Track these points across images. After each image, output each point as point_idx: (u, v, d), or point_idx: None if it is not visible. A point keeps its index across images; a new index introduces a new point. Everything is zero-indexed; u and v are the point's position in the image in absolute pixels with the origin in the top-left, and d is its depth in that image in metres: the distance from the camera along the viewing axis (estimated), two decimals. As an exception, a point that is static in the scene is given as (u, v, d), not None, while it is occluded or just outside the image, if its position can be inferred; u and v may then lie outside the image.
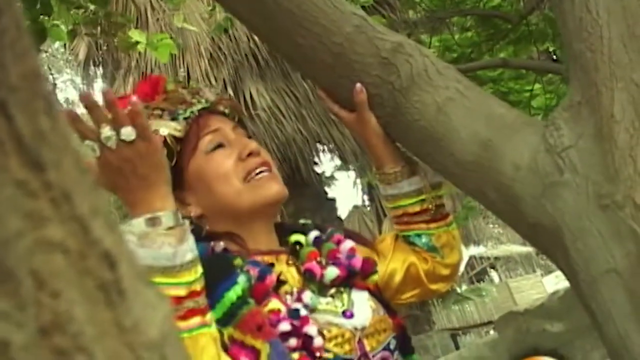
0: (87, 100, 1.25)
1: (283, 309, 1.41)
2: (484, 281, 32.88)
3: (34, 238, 0.33)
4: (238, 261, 1.44)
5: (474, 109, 1.48)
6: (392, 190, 1.71)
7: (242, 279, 1.38)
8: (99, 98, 1.26)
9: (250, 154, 1.56)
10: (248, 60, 10.65)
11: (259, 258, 1.52)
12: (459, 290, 27.90)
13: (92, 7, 3.98)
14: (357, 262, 1.59)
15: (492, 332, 17.51)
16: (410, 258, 1.73)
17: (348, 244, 1.63)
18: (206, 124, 1.57)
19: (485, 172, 1.42)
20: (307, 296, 1.47)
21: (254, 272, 1.43)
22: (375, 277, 1.62)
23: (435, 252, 1.73)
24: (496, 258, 31.82)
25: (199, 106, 1.58)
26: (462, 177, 1.49)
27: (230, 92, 10.53)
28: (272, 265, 1.50)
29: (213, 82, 10.37)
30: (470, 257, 33.79)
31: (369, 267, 1.61)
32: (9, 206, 0.33)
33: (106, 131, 1.23)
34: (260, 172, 1.56)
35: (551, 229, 1.31)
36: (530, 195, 1.34)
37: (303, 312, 1.42)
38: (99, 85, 14.31)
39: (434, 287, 1.76)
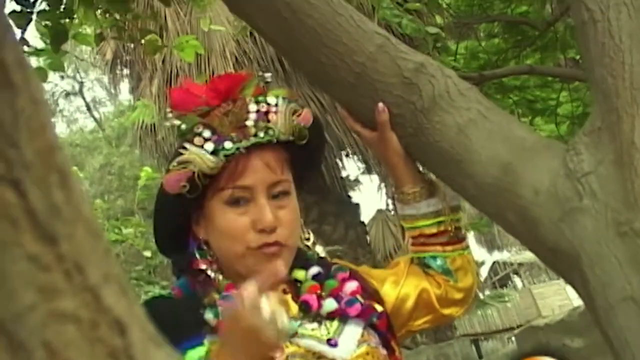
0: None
1: None
2: (507, 287, 32.76)
3: (46, 310, 0.34)
4: (212, 297, 1.45)
5: (495, 131, 1.48)
6: (410, 210, 1.70)
7: (207, 341, 1.37)
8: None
9: (262, 230, 1.49)
10: (274, 65, 10.65)
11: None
12: (481, 295, 27.79)
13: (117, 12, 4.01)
14: (355, 310, 1.52)
15: (513, 338, 17.42)
16: (423, 283, 1.71)
17: (352, 285, 1.57)
18: (243, 172, 1.48)
19: (505, 195, 1.42)
20: None
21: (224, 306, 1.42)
22: (374, 321, 1.55)
23: (449, 275, 1.71)
24: (520, 264, 31.69)
25: (253, 141, 1.47)
26: (481, 199, 1.49)
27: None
28: None
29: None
30: (494, 263, 33.72)
31: (366, 315, 1.54)
32: (23, 280, 0.34)
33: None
34: (268, 246, 1.50)
35: (569, 254, 1.31)
36: (549, 219, 1.34)
37: None
38: (125, 86, 14.41)
39: (446, 312, 1.74)
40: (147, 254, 11.41)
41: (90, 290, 0.37)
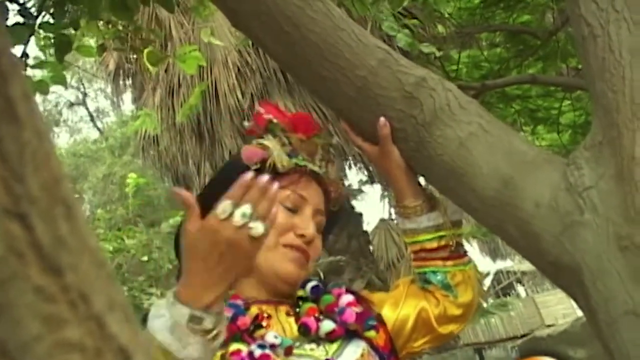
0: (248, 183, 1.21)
1: (244, 349, 1.39)
2: (510, 295, 32.67)
3: (52, 340, 0.35)
4: None
5: (496, 144, 1.48)
6: (411, 224, 1.71)
7: None
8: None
9: (302, 236, 1.57)
10: (276, 75, 10.60)
11: (255, 306, 1.53)
12: (485, 304, 27.70)
13: (120, 22, 4.02)
14: (350, 316, 1.54)
15: (517, 348, 17.37)
16: (422, 303, 1.71)
17: (347, 297, 1.60)
18: (303, 186, 1.62)
19: (506, 209, 1.42)
20: (271, 335, 1.44)
21: (229, 313, 1.43)
22: (372, 333, 1.56)
23: (449, 290, 1.71)
24: (523, 272, 31.62)
25: (317, 168, 1.64)
26: (483, 213, 1.49)
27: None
28: (247, 308, 1.49)
29: (240, 96, 10.36)
30: (497, 271, 33.64)
31: (362, 319, 1.56)
32: (29, 311, 0.34)
33: (246, 208, 1.20)
34: (294, 248, 1.57)
35: (571, 267, 1.31)
36: (550, 233, 1.34)
37: (259, 351, 1.38)
38: (128, 96, 14.42)
39: (445, 331, 1.72)
40: (145, 258, 11.41)
41: (95, 318, 0.37)
